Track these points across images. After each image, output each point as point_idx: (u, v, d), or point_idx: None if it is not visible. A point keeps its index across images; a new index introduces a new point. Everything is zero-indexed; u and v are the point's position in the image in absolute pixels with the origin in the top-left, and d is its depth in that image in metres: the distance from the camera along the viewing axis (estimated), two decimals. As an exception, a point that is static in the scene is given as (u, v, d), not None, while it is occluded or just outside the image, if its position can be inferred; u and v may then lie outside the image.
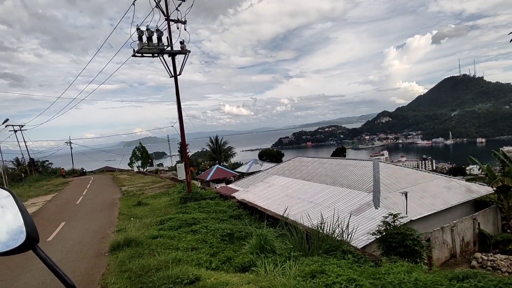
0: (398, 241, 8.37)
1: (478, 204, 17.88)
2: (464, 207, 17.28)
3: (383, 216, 9.87)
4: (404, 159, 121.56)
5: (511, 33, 5.11)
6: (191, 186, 16.52)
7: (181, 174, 17.85)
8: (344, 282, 4.52)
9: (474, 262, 14.05)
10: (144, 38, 14.15)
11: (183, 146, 17.07)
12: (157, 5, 14.42)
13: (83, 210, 15.86)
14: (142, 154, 57.18)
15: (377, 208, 14.73)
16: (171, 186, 21.98)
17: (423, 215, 14.67)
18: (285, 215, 9.59)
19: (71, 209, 16.36)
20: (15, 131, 40.97)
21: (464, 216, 16.36)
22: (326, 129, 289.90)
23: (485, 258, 14.16)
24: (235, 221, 11.25)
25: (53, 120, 39.95)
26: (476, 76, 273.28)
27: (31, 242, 0.88)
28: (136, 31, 14.15)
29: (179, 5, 14.64)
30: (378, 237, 9.39)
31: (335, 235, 7.40)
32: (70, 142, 50.53)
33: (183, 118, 16.01)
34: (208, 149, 53.71)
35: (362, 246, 10.40)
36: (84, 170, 45.00)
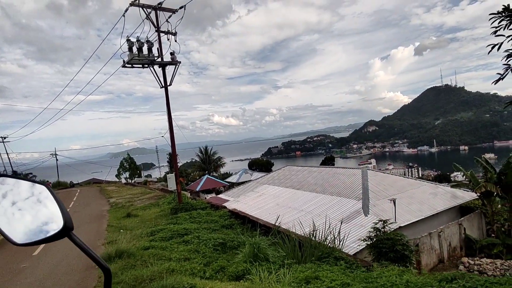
0: (388, 246, 8.54)
1: (463, 210, 18.35)
2: (450, 212, 17.70)
3: (373, 223, 10.05)
4: (391, 167, 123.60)
5: (490, 45, 5.43)
6: (181, 197, 16.39)
7: (172, 185, 17.68)
8: (338, 287, 4.62)
9: (461, 267, 14.34)
10: (134, 49, 14.21)
11: (173, 156, 16.99)
12: (148, 17, 14.56)
13: (70, 223, 15.46)
14: (130, 165, 56.31)
15: (367, 215, 14.94)
16: (160, 197, 21.73)
17: (411, 221, 14.94)
18: (277, 224, 9.66)
19: (58, 222, 15.93)
20: (-3, 143, 39.82)
21: (450, 221, 16.74)
22: (314, 138, 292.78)
23: (472, 262, 14.47)
24: (227, 231, 11.22)
25: (38, 131, 39.14)
26: (458, 86, 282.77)
27: (67, 230, 0.99)
28: (126, 42, 14.21)
29: (169, 17, 14.84)
30: (369, 243, 9.54)
31: (327, 242, 7.52)
32: (56, 154, 49.38)
33: (173, 128, 16.00)
34: (198, 160, 53.38)
35: (353, 252, 10.52)
36: (73, 183, 44.04)
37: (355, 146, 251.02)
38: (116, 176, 56.53)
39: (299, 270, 5.74)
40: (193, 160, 57.15)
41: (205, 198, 26.43)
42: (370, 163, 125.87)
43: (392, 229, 10.09)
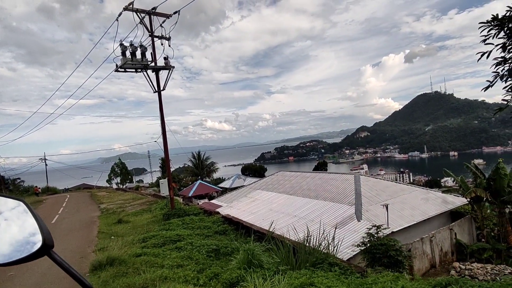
0: (382, 252, 8.57)
1: (454, 215, 18.58)
2: (441, 217, 17.90)
3: (367, 228, 10.08)
4: (383, 172, 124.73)
5: (479, 53, 5.55)
6: (174, 202, 16.22)
7: (164, 190, 17.49)
8: (334, 293, 4.59)
9: (452, 272, 14.45)
10: (128, 54, 14.12)
11: (166, 162, 16.84)
12: (141, 21, 14.53)
13: (59, 229, 15.14)
14: (121, 170, 55.61)
15: (360, 221, 14.99)
16: (152, 202, 21.46)
17: (403, 227, 15.06)
18: (271, 229, 9.60)
19: (46, 229, 15.58)
20: (-15, 147, 38.88)
21: (442, 226, 16.92)
22: (307, 144, 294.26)
23: (463, 267, 14.60)
24: (221, 237, 11.12)
25: (27, 136, 38.39)
26: (447, 93, 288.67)
27: (47, 247, 0.92)
28: (119, 46, 14.13)
29: (163, 22, 14.84)
30: (362, 248, 9.55)
31: (321, 248, 7.50)
32: (45, 159, 48.50)
33: (166, 133, 15.89)
34: (190, 165, 53.04)
35: (347, 258, 10.52)
36: (67, 189, 43.33)
37: (347, 151, 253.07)
38: (107, 181, 55.75)
39: (293, 277, 5.70)
40: (186, 165, 56.80)
41: (198, 203, 26.21)
42: (362, 169, 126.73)
43: (385, 235, 10.14)
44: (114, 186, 52.06)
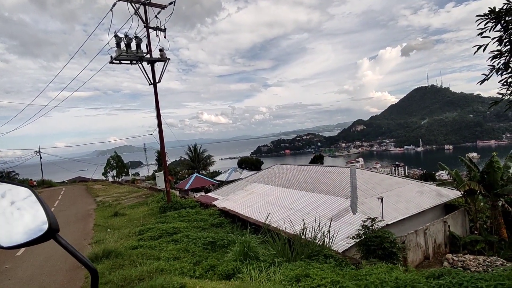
0: (376, 244, 8.66)
1: (448, 207, 18.80)
2: (435, 210, 18.11)
3: (362, 221, 10.18)
4: (378, 165, 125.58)
5: (475, 46, 5.55)
6: (170, 195, 16.22)
7: (160, 183, 17.47)
8: (329, 284, 4.64)
9: (445, 263, 14.68)
10: (122, 45, 13.93)
11: (162, 155, 16.78)
12: (136, 12, 14.31)
13: (55, 222, 15.09)
14: (117, 163, 55.41)
15: (355, 213, 15.13)
16: (149, 195, 21.45)
17: (398, 219, 15.22)
18: (267, 222, 9.66)
19: (42, 222, 15.52)
20: (-22, 140, 38.48)
21: (436, 219, 17.13)
22: (304, 137, 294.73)
23: (456, 259, 14.84)
24: (217, 229, 11.16)
25: (21, 128, 37.97)
26: (443, 87, 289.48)
27: (52, 231, 0.96)
28: (113, 38, 13.92)
29: (158, 13, 14.61)
30: (357, 241, 9.65)
31: (317, 240, 7.56)
32: (40, 152, 48.08)
33: (162, 126, 15.80)
34: (187, 158, 52.95)
35: (342, 250, 10.63)
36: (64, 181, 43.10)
37: (343, 145, 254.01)
38: (103, 174, 55.57)
39: (289, 268, 5.75)
40: (182, 159, 56.75)
41: (194, 196, 26.25)
42: (358, 162, 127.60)
43: (380, 227, 10.24)
44: (110, 179, 51.92)
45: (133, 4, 14.09)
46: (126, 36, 13.95)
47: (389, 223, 14.32)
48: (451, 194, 19.04)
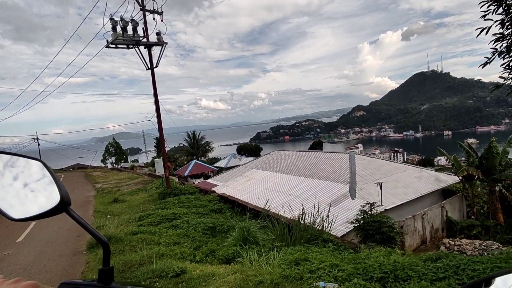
0: (375, 228, 8.75)
1: (445, 193, 18.94)
2: (433, 195, 18.24)
3: (361, 206, 10.24)
4: (377, 151, 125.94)
5: (478, 28, 5.42)
6: (170, 182, 16.28)
7: (159, 170, 17.50)
8: (328, 268, 4.69)
9: (442, 247, 14.91)
10: (118, 29, 13.63)
11: (161, 141, 16.72)
12: (132, -5, 13.93)
13: (55, 208, 15.17)
14: (116, 150, 55.35)
15: (354, 199, 15.23)
16: (148, 182, 21.53)
17: (396, 204, 15.34)
18: (266, 208, 9.72)
19: (42, 208, 15.61)
20: (-25, 127, 38.24)
21: (433, 204, 17.28)
22: (303, 123, 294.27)
23: (452, 243, 15.07)
24: (216, 215, 11.26)
25: (18, 115, 37.67)
26: (443, 72, 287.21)
27: (64, 204, 0.95)
28: (109, 21, 13.60)
29: (154, -5, 14.24)
30: (356, 225, 9.75)
31: (316, 225, 7.63)
32: (37, 138, 47.93)
33: (160, 112, 15.67)
34: (186, 144, 52.88)
35: (341, 235, 10.75)
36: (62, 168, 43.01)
37: (342, 131, 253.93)
38: (102, 161, 55.61)
39: (288, 253, 5.81)
40: (181, 145, 56.68)
41: (194, 183, 26.36)
42: (357, 148, 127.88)
43: (378, 212, 10.32)
44: (109, 166, 52.01)
45: (128, -14, 13.71)
46: (122, 19, 13.63)
47: (388, 208, 14.44)
48: (449, 179, 19.14)
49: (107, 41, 13.94)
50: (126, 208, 13.71)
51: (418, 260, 4.78)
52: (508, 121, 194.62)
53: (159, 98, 15.43)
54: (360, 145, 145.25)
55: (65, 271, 6.62)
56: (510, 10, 5.35)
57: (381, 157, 33.16)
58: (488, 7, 5.43)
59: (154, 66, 14.81)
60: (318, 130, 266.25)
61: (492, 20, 5.47)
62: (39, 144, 47.84)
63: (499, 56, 5.71)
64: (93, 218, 12.14)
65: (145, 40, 14.40)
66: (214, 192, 15.00)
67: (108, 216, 11.98)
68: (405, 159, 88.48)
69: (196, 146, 51.12)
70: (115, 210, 13.43)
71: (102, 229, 8.80)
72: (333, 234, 8.31)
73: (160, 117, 15.59)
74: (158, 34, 14.56)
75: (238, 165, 31.31)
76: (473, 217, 17.68)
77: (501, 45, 5.62)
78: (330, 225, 8.15)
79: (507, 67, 5.68)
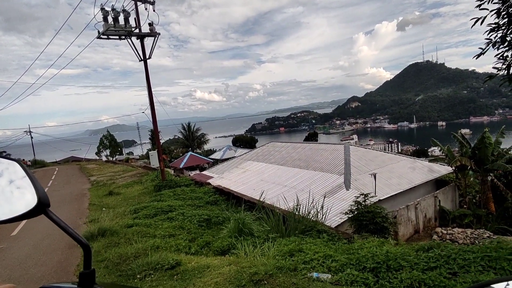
0: (368, 219, 8.84)
1: (439, 183, 19.18)
2: (427, 186, 18.47)
3: (355, 196, 10.33)
4: (372, 142, 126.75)
5: (473, 18, 5.39)
6: (165, 174, 16.23)
7: (154, 162, 17.44)
8: (321, 258, 4.74)
9: (435, 236, 15.16)
10: (110, 19, 13.36)
11: (155, 133, 16.60)
12: (123, -16, 13.62)
13: (49, 202, 15.08)
14: (110, 142, 54.97)
15: (348, 190, 15.35)
16: (143, 174, 21.45)
17: (390, 195, 15.50)
18: (261, 199, 9.76)
19: (36, 202, 15.51)
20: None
21: (427, 194, 17.50)
22: (298, 115, 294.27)
23: (445, 232, 15.32)
24: (212, 207, 11.29)
25: (10, 107, 37.08)
26: (438, 63, 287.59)
27: (42, 206, 0.92)
28: (100, 11, 13.32)
29: (146, -16, 13.94)
30: (350, 216, 9.84)
31: (310, 216, 7.68)
32: (30, 131, 47.30)
33: (154, 104, 15.52)
34: (181, 136, 52.65)
35: (335, 225, 10.85)
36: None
37: (338, 122, 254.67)
38: (96, 153, 55.25)
39: (283, 244, 5.86)
40: (176, 137, 56.36)
41: (189, 175, 26.35)
42: (352, 139, 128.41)
43: (372, 202, 10.42)
44: (104, 158, 51.69)
45: (119, -25, 13.38)
46: (113, 9, 13.35)
47: (382, 198, 14.59)
48: (443, 170, 19.36)
49: (99, 32, 13.67)
50: (121, 200, 13.68)
51: (410, 250, 4.85)
52: (501, 111, 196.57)
53: (153, 89, 15.27)
54: (355, 136, 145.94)
55: (60, 265, 6.61)
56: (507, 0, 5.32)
57: (375, 148, 33.38)
58: (484, -4, 5.39)
59: (147, 57, 14.60)
60: (314, 121, 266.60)
61: (487, 9, 5.45)
62: (32, 137, 47.27)
63: (493, 47, 5.70)
64: (88, 211, 12.10)
65: (137, 30, 14.15)
66: (209, 184, 15.00)
67: (103, 209, 11.95)
68: (400, 150, 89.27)
69: (191, 138, 50.93)
70: (110, 203, 13.40)
71: (97, 222, 8.79)
72: (327, 225, 8.39)
73: (154, 109, 15.45)
74: (150, 24, 14.31)
75: (233, 157, 31.31)
76: (465, 206, 17.97)
77: (496, 35, 5.61)
78: (324, 216, 8.22)
79: (501, 57, 5.68)
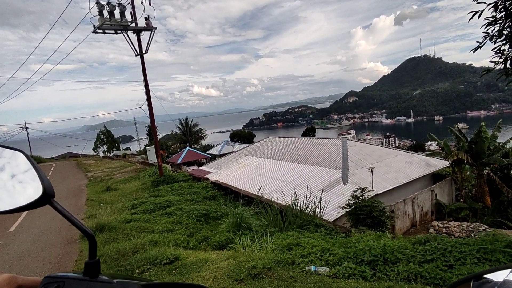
0: (366, 213, 8.90)
1: (435, 177, 19.31)
2: (424, 180, 18.59)
3: (352, 191, 10.38)
4: (369, 137, 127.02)
5: (470, 12, 5.38)
6: (163, 169, 16.22)
7: (152, 157, 17.41)
8: (319, 252, 4.77)
9: (431, 230, 15.30)
10: (105, 13, 13.21)
11: (152, 128, 16.54)
12: (118, -23, 13.44)
13: (47, 198, 15.03)
14: (107, 138, 54.66)
15: (346, 184, 15.43)
16: (141, 170, 21.41)
17: (387, 189, 15.60)
18: (259, 194, 9.79)
19: (33, 198, 15.47)
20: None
21: (424, 188, 17.62)
22: (296, 110, 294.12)
23: (441, 225, 15.46)
24: (210, 202, 11.30)
25: (5, 103, 36.78)
26: (436, 57, 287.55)
27: (47, 196, 0.91)
28: (95, 5, 13.15)
29: (142, -22, 13.76)
30: (347, 210, 9.90)
31: (308, 211, 7.72)
32: (26, 127, 46.96)
33: (151, 99, 15.44)
34: (178, 132, 52.50)
35: (332, 219, 10.92)
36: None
37: (335, 117, 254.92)
38: (93, 149, 54.97)
39: (281, 238, 5.89)
40: (174, 132, 56.24)
41: (187, 170, 26.34)
42: (350, 134, 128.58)
43: (370, 197, 10.48)
44: (101, 154, 51.50)
45: (114, -32, 13.21)
46: (108, 3, 13.19)
47: (379, 192, 14.68)
48: (439, 164, 19.48)
49: (94, 26, 13.52)
50: (119, 196, 13.66)
51: (407, 243, 4.89)
52: (498, 105, 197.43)
53: (150, 85, 15.17)
54: (352, 131, 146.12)
55: (58, 260, 6.62)
56: None
57: (373, 143, 33.46)
58: (481, -12, 5.37)
59: (144, 52, 14.47)
60: (311, 116, 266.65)
61: (485, 3, 5.43)
62: (28, 133, 46.96)
63: (490, 40, 5.70)
64: (86, 207, 12.07)
65: (133, 25, 14.00)
66: (207, 179, 15.01)
67: (101, 204, 11.94)
68: (397, 145, 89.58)
69: (189, 133, 50.81)
70: (108, 198, 13.38)
71: (95, 218, 8.78)
72: (325, 219, 8.44)
73: (151, 104, 15.37)
74: (146, 18, 14.16)
75: (231, 152, 31.31)
76: (461, 200, 18.11)
77: (493, 29, 5.60)
78: (322, 210, 8.27)
79: (498, 51, 5.68)
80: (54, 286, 0.84)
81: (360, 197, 9.67)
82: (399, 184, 16.30)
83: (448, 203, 18.01)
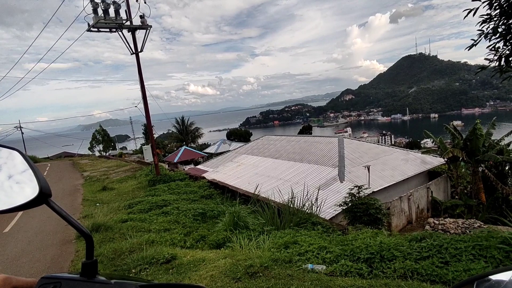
0: (362, 210, 8.94)
1: (431, 174, 19.44)
2: (419, 177, 18.71)
3: (349, 189, 10.43)
4: (366, 135, 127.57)
5: (466, 9, 5.40)
6: (159, 168, 16.15)
7: (148, 157, 17.33)
8: (316, 250, 4.78)
9: (427, 227, 15.42)
10: (100, 11, 13.08)
11: (148, 127, 16.46)
12: (112, -25, 13.31)
13: (42, 198, 14.92)
14: (103, 137, 54.36)
15: (342, 182, 15.48)
16: (137, 169, 21.32)
17: (383, 186, 15.68)
18: (256, 193, 9.78)
19: (29, 198, 15.35)
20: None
21: (419, 185, 17.74)
22: (292, 108, 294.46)
23: (437, 222, 15.58)
24: (207, 201, 11.28)
25: (-1, 103, 36.34)
26: (431, 55, 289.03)
27: (44, 196, 0.90)
28: (90, 3, 13.03)
29: (137, -24, 13.65)
30: (344, 208, 9.94)
31: (305, 209, 7.73)
32: (21, 127, 46.53)
33: (147, 98, 15.35)
34: (174, 131, 52.33)
35: (329, 217, 10.96)
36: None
37: (332, 115, 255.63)
38: (89, 149, 54.65)
39: (278, 236, 5.89)
40: (170, 131, 55.99)
41: (184, 169, 26.27)
42: (346, 132, 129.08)
43: (366, 194, 10.53)
44: (97, 153, 51.21)
45: (108, -35, 13.08)
46: (103, 1, 13.06)
47: (375, 190, 14.75)
48: (435, 161, 19.61)
49: (88, 24, 13.39)
50: (115, 196, 13.59)
51: (403, 241, 4.92)
52: (492, 103, 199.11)
53: (145, 83, 15.09)
54: (349, 129, 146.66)
55: (54, 261, 6.57)
56: None
57: (369, 141, 33.62)
58: (476, -14, 5.39)
59: (139, 50, 14.38)
60: (308, 114, 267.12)
61: (480, 0, 5.45)
62: (22, 133, 46.53)
63: (485, 38, 5.72)
64: (82, 206, 12.00)
65: (128, 23, 13.89)
66: (204, 178, 14.98)
67: (97, 204, 11.88)
68: (393, 142, 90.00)
69: (185, 132, 50.65)
70: (104, 198, 13.31)
71: (91, 218, 8.73)
72: (322, 217, 8.46)
73: (147, 103, 15.29)
74: (142, 17, 14.06)
75: (228, 151, 31.27)
76: (457, 197, 18.26)
77: (488, 27, 5.62)
78: (319, 208, 8.28)
79: (492, 48, 5.71)
80: (51, 287, 0.83)
81: (357, 195, 9.72)
82: (395, 182, 16.39)
83: (444, 200, 18.14)
